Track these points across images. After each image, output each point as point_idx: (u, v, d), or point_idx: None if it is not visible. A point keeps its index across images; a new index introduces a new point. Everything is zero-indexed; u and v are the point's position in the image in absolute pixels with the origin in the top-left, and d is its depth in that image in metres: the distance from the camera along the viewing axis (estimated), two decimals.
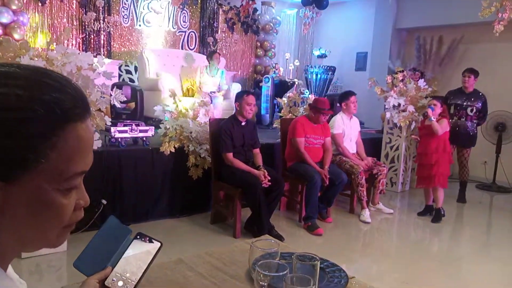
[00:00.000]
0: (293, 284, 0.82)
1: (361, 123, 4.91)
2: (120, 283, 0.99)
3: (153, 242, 1.07)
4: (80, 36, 6.20)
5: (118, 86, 3.63)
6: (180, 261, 1.25)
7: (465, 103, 5.06)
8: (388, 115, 5.51)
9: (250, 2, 7.95)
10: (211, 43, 7.65)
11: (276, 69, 7.35)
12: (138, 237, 1.07)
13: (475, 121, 5.08)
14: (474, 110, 5.05)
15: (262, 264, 0.92)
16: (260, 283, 0.91)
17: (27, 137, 0.50)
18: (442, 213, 4.43)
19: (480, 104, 5.05)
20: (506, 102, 5.84)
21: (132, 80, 6.52)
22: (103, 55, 6.13)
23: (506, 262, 3.58)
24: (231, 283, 1.12)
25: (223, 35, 7.87)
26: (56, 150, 0.52)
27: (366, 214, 4.30)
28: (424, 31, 7.29)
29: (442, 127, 4.29)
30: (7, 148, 0.49)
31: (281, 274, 0.87)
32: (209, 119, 4.01)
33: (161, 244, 1.07)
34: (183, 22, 7.42)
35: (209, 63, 6.27)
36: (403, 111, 5.34)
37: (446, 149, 4.39)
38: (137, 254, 1.04)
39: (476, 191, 6.00)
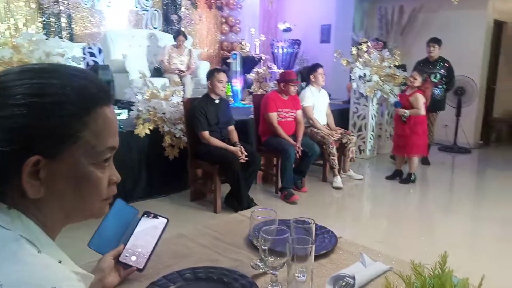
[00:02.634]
0: (294, 244, 0.94)
1: (328, 95, 5.06)
2: (134, 258, 1.09)
3: (159, 218, 1.16)
4: (39, 20, 5.98)
5: (93, 71, 3.58)
6: (181, 235, 1.35)
7: (429, 71, 5.32)
8: (354, 85, 5.70)
9: None
10: (175, 21, 7.55)
11: (243, 45, 7.37)
12: (145, 215, 1.17)
13: (440, 86, 5.37)
14: (438, 77, 5.34)
15: (264, 230, 1.03)
16: (262, 247, 1.02)
17: (64, 117, 0.59)
18: (413, 178, 4.70)
19: (443, 70, 5.34)
20: (465, 67, 6.13)
21: (96, 63, 6.40)
22: (65, 38, 5.98)
23: (469, 216, 3.91)
24: (232, 251, 1.23)
25: (187, 12, 7.77)
26: (88, 128, 0.61)
27: (338, 180, 4.51)
28: (386, 1, 7.45)
29: (420, 105, 4.47)
30: (48, 128, 0.58)
31: (283, 237, 0.98)
32: (182, 99, 4.04)
33: (168, 220, 1.16)
34: (146, 0, 7.26)
35: (176, 42, 6.22)
36: (369, 81, 5.53)
37: (420, 119, 4.57)
38: (146, 230, 1.14)
39: (438, 153, 6.35)
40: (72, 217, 0.66)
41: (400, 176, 4.80)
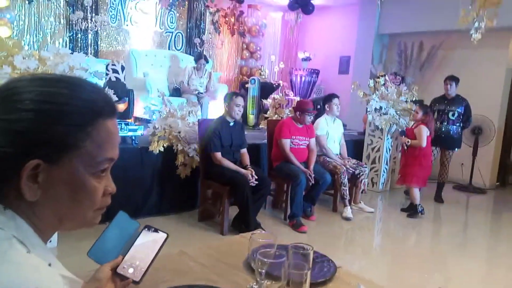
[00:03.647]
0: (290, 269, 0.94)
1: (344, 125, 5.07)
2: (131, 270, 1.09)
3: (159, 233, 1.17)
4: (67, 35, 6.20)
5: (112, 85, 3.68)
6: (183, 253, 1.35)
7: (446, 108, 5.30)
8: (370, 117, 5.70)
9: (237, 5, 8.05)
10: (197, 44, 7.73)
11: (262, 71, 7.47)
12: (146, 228, 1.18)
13: (457, 124, 5.33)
14: (456, 115, 5.30)
15: (261, 253, 1.03)
16: (259, 270, 1.02)
17: (69, 125, 0.62)
18: (419, 210, 4.63)
19: (461, 109, 5.30)
20: (483, 107, 6.07)
21: (118, 80, 6.54)
22: (90, 54, 6.17)
23: (482, 258, 3.80)
24: (230, 272, 1.24)
25: (210, 36, 7.95)
26: (90, 138, 0.64)
27: (348, 211, 4.46)
28: (405, 37, 7.50)
29: (421, 136, 4.53)
30: (52, 134, 0.61)
31: (279, 261, 0.98)
32: (198, 120, 4.10)
33: (167, 235, 1.17)
34: (170, 22, 7.48)
35: (196, 64, 6.36)
36: (385, 114, 5.52)
37: (423, 152, 4.59)
38: (146, 244, 1.15)
39: (453, 191, 6.23)
40: (64, 223, 0.68)
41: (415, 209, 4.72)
